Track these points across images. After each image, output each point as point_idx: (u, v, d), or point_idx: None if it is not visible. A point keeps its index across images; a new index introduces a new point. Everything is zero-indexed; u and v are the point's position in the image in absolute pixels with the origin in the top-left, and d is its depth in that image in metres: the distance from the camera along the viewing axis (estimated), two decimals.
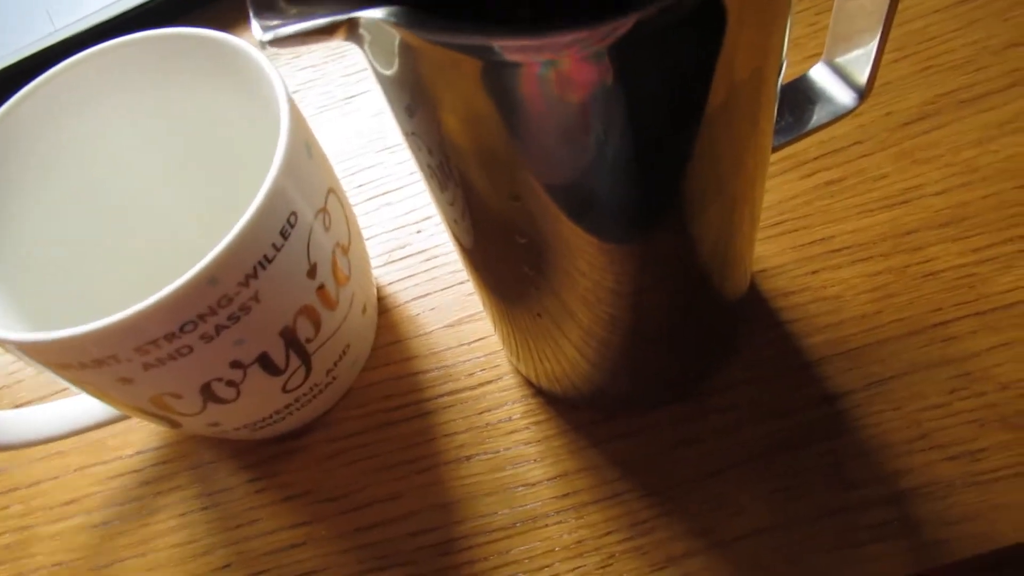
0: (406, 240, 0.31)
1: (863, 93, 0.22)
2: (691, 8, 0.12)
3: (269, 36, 0.13)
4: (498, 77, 0.13)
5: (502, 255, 0.19)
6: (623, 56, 0.12)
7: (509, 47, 0.12)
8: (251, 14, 0.13)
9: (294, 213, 0.20)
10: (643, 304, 0.20)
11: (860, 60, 0.22)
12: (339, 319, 0.24)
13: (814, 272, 0.27)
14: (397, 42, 0.13)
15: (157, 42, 0.24)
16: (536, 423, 0.26)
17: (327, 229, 0.22)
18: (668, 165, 0.15)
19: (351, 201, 0.31)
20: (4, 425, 0.23)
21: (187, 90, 0.25)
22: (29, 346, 0.19)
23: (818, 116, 0.22)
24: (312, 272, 0.21)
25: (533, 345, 0.23)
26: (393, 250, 0.30)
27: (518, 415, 0.26)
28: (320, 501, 0.26)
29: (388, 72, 0.14)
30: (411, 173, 0.32)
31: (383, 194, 0.32)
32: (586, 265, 0.18)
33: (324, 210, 0.22)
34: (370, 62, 0.15)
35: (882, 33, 0.20)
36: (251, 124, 0.24)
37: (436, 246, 0.30)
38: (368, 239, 0.31)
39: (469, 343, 0.28)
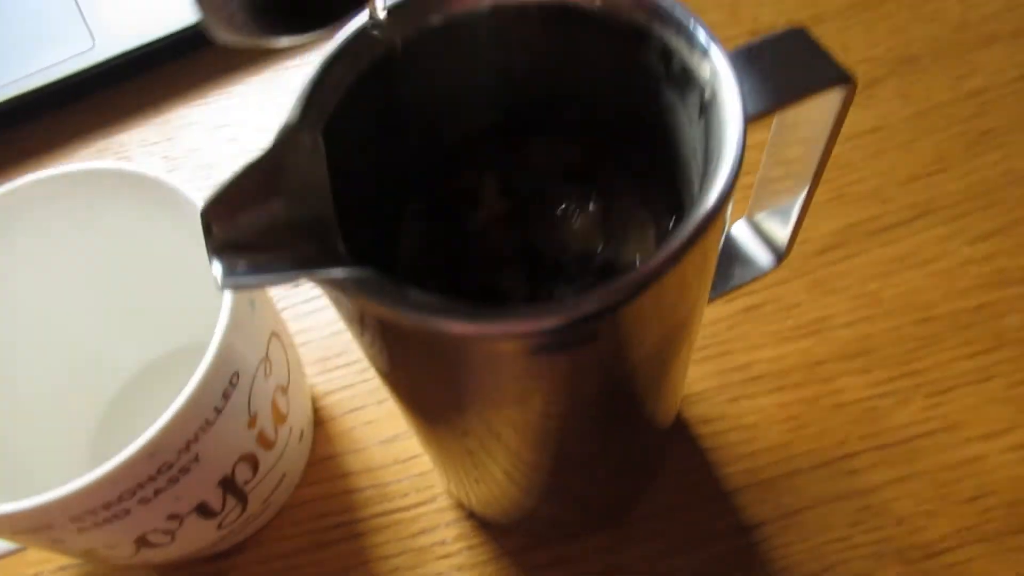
0: (342, 348, 0.31)
1: (781, 255, 0.24)
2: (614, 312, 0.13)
3: (229, 283, 0.13)
4: (425, 341, 0.13)
5: (440, 423, 0.19)
6: (555, 345, 0.13)
7: (429, 326, 0.13)
8: (210, 254, 0.14)
9: (236, 373, 0.20)
10: (574, 435, 0.21)
11: (781, 221, 0.23)
12: (277, 455, 0.24)
13: (733, 400, 0.28)
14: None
15: (92, 176, 0.23)
16: (469, 547, 0.27)
17: (268, 376, 0.22)
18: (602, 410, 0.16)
19: (287, 303, 0.32)
20: None
21: (118, 224, 0.25)
22: None
23: (738, 276, 0.24)
24: (252, 422, 0.22)
25: (464, 472, 0.24)
26: (329, 358, 0.31)
27: (451, 538, 0.27)
28: None
29: (348, 317, 0.15)
30: None
31: (319, 296, 0.32)
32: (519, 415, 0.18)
33: (266, 358, 0.22)
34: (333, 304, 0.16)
35: (805, 199, 0.22)
36: (184, 256, 0.24)
37: None
38: (303, 344, 0.31)
39: (404, 461, 0.28)
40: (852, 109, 0.34)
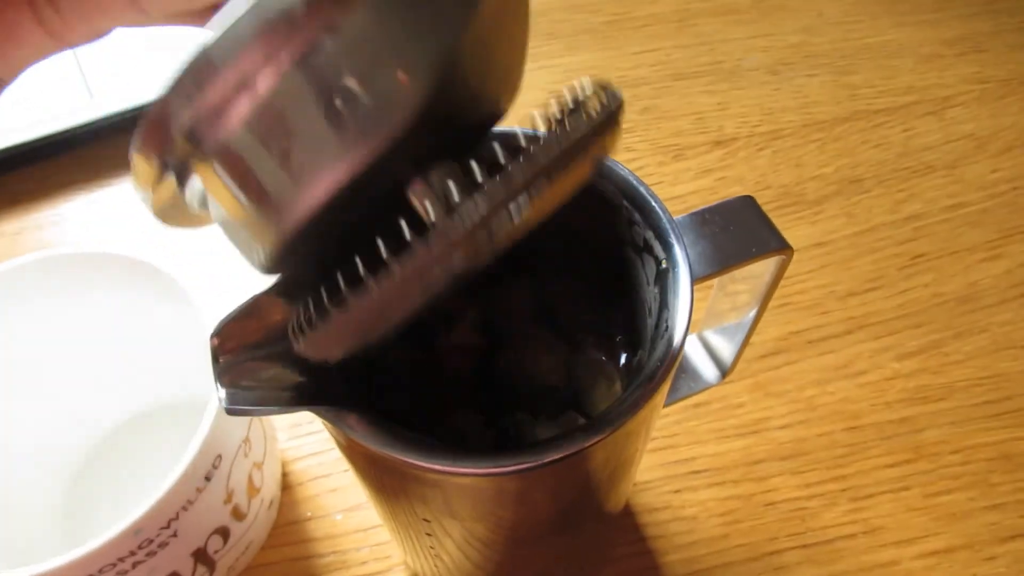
0: (312, 416, 0.32)
1: (726, 371, 0.26)
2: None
3: (233, 410, 0.15)
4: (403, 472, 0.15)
5: (402, 520, 0.21)
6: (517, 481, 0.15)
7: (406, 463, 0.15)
8: (215, 379, 0.16)
9: (219, 456, 0.22)
10: (528, 538, 0.23)
11: (728, 340, 0.26)
12: (247, 525, 0.25)
13: (676, 491, 0.31)
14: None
15: (77, 259, 0.25)
16: None
17: (247, 455, 0.24)
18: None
19: None
20: None
21: (106, 297, 0.26)
22: None
23: (685, 387, 0.26)
24: (229, 498, 0.23)
25: (420, 553, 0.26)
26: (299, 424, 0.32)
27: None
28: None
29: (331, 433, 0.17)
30: None
31: None
32: (479, 544, 0.20)
33: (247, 439, 0.24)
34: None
35: (750, 327, 0.24)
36: (165, 324, 0.26)
37: None
38: None
39: (365, 529, 0.30)
40: (801, 224, 0.37)
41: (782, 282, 0.36)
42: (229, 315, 0.16)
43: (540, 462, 0.14)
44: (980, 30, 0.45)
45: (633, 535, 0.30)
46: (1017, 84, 0.42)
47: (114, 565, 0.20)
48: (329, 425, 0.16)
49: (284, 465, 0.31)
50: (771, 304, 0.35)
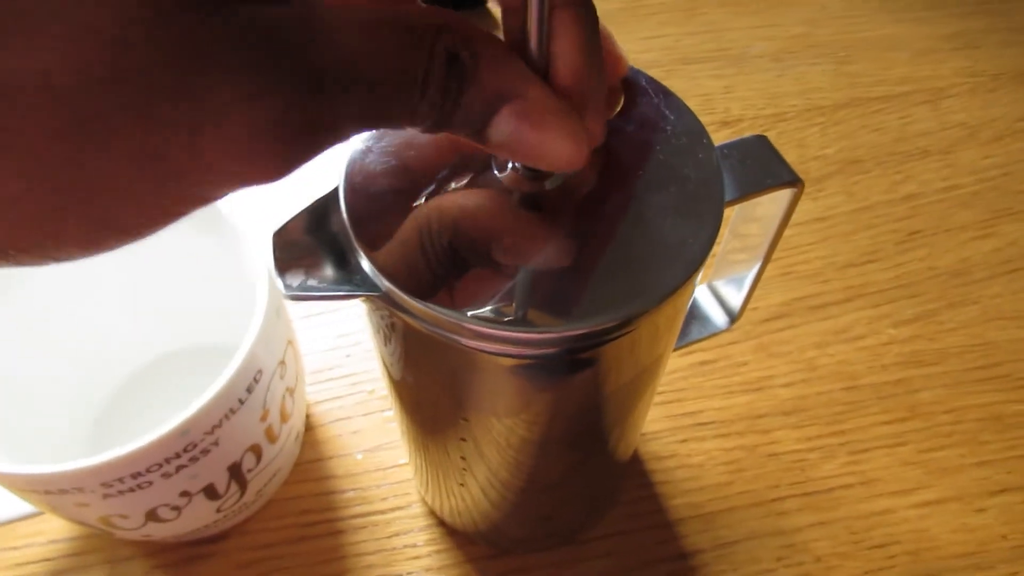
0: (336, 362, 0.34)
1: (734, 317, 0.28)
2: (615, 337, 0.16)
3: (290, 295, 0.17)
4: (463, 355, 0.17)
5: (439, 428, 0.22)
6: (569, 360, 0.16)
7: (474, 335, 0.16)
8: (276, 271, 0.17)
9: (260, 371, 0.23)
10: (548, 465, 0.24)
11: (736, 289, 0.27)
12: (277, 450, 0.26)
13: (683, 441, 0.32)
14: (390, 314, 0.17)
15: None
16: (437, 551, 0.29)
17: (282, 378, 0.25)
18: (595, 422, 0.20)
19: (289, 316, 0.34)
20: None
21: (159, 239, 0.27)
22: (9, 477, 0.20)
23: (696, 331, 0.28)
24: (264, 416, 0.24)
25: (443, 483, 0.27)
26: (322, 370, 0.33)
27: (422, 542, 0.29)
28: None
29: (380, 331, 0.18)
30: None
31: (319, 313, 0.35)
32: (511, 448, 0.22)
33: (282, 362, 0.25)
34: (369, 314, 0.19)
35: (757, 272, 0.26)
36: (217, 269, 0.27)
37: (362, 372, 0.34)
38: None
39: (384, 469, 0.31)
40: (803, 200, 0.39)
41: (785, 252, 0.37)
42: (287, 219, 0.18)
43: (606, 326, 0.15)
44: (973, 27, 0.47)
45: (641, 480, 0.31)
46: (1007, 79, 0.45)
47: (160, 465, 0.21)
48: (388, 313, 0.17)
49: (307, 407, 0.32)
50: (774, 272, 0.37)
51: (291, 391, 0.26)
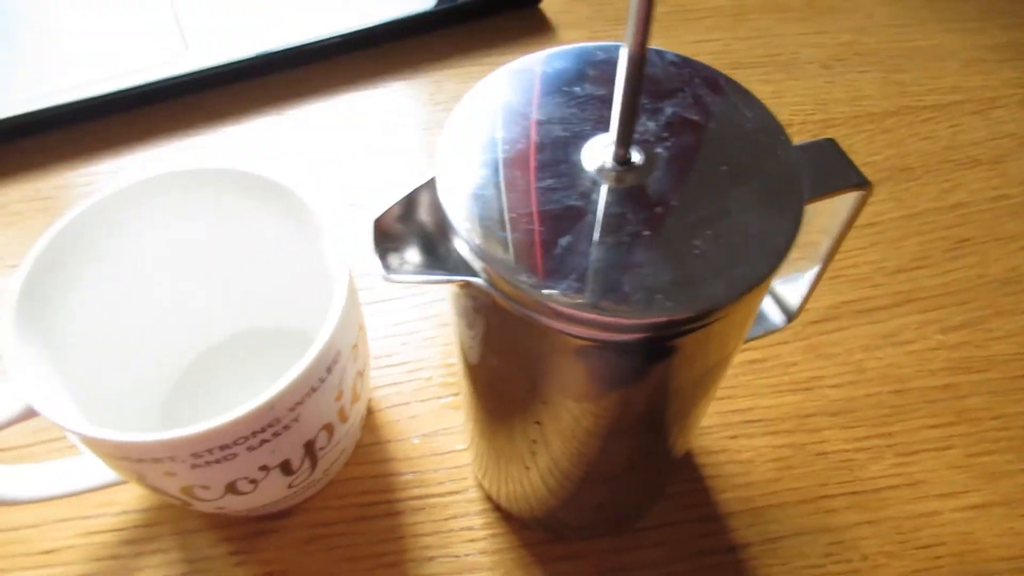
0: (394, 349, 0.35)
1: (792, 316, 0.28)
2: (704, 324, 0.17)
3: (388, 278, 0.18)
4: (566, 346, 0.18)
5: (514, 412, 0.23)
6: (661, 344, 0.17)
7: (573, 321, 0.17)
8: (375, 252, 0.18)
9: (338, 352, 0.24)
10: (614, 453, 0.25)
11: (796, 289, 0.28)
12: (346, 430, 0.27)
13: (733, 437, 0.33)
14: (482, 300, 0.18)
15: (214, 173, 0.27)
16: (493, 535, 0.30)
17: (354, 361, 0.26)
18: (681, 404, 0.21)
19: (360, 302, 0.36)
20: (4, 481, 0.25)
21: (233, 215, 0.28)
22: (105, 444, 0.22)
23: (754, 329, 0.28)
24: (339, 396, 0.25)
25: (505, 468, 0.28)
26: (381, 357, 0.35)
27: (478, 526, 0.30)
28: None
29: (462, 311, 0.19)
30: (405, 287, 0.37)
31: (380, 301, 0.36)
32: (583, 433, 0.22)
33: (356, 345, 0.26)
34: (455, 299, 0.20)
35: (817, 274, 0.26)
36: (290, 252, 0.28)
37: (419, 359, 0.35)
38: None
39: (441, 454, 0.32)
40: None
41: (836, 256, 0.38)
42: (387, 205, 0.19)
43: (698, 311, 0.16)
44: (1022, 39, 0.47)
45: (692, 473, 0.32)
46: None
47: (247, 438, 0.22)
48: (480, 298, 0.18)
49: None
50: (826, 275, 0.37)
51: (361, 374, 0.27)
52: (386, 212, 0.19)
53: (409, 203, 0.19)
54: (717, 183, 0.18)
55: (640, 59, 0.16)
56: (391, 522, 0.30)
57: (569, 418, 0.21)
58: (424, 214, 0.19)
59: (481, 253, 0.17)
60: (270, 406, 0.22)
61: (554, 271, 0.17)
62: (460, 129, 0.19)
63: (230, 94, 0.44)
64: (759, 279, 0.17)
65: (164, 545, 0.30)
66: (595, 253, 0.17)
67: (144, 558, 0.29)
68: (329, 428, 0.26)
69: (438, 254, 0.19)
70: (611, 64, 0.20)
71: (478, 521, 0.30)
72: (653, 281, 0.17)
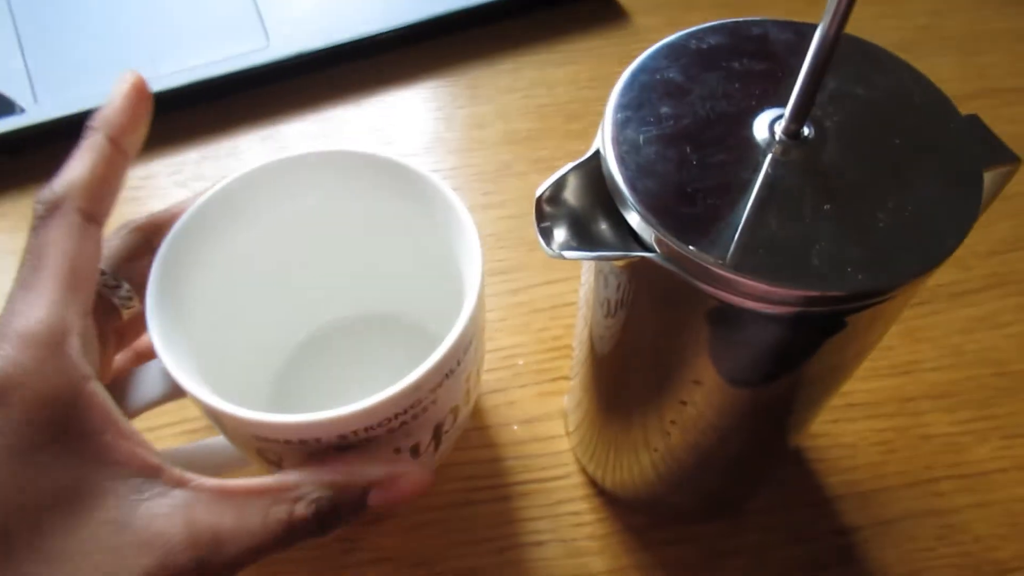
0: (488, 336, 0.35)
1: None
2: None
3: (553, 254, 0.18)
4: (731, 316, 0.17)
5: (654, 395, 0.23)
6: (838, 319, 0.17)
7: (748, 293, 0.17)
8: (538, 231, 0.18)
9: (474, 335, 0.24)
10: (730, 446, 0.25)
11: None
12: (467, 412, 0.27)
13: (834, 421, 0.32)
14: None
15: (355, 157, 0.27)
16: (600, 519, 0.30)
17: (478, 348, 0.26)
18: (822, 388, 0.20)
19: None
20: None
21: (370, 202, 0.28)
22: (253, 424, 0.22)
23: None
24: (468, 378, 0.25)
25: (615, 452, 0.27)
26: None
27: (585, 510, 0.30)
28: (405, 567, 0.29)
29: (613, 290, 0.19)
30: (497, 272, 0.37)
31: None
32: (729, 415, 0.22)
33: (479, 333, 0.26)
34: (606, 282, 0.20)
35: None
36: (413, 238, 0.28)
37: (511, 346, 0.34)
38: None
39: (542, 440, 0.32)
40: None
41: None
42: (550, 181, 0.19)
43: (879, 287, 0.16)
44: None
45: (796, 457, 0.31)
46: None
47: (390, 420, 0.22)
48: (651, 269, 0.18)
49: None
50: None
51: (482, 355, 0.27)
52: (545, 189, 0.19)
53: (560, 183, 0.19)
54: (890, 156, 0.18)
55: (836, 39, 0.16)
56: (499, 507, 0.30)
57: (722, 399, 0.21)
58: (571, 195, 0.19)
59: (657, 226, 0.17)
60: (416, 387, 0.22)
61: (741, 246, 0.16)
62: (623, 105, 0.19)
63: (313, 83, 0.43)
64: (948, 251, 0.17)
65: None
66: (778, 227, 0.17)
67: None
68: (455, 410, 0.26)
69: (589, 233, 0.19)
70: (770, 40, 0.20)
71: (584, 506, 0.30)
72: (842, 255, 0.16)
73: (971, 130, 0.22)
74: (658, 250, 0.17)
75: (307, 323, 0.33)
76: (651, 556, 0.29)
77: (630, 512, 0.30)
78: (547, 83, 0.44)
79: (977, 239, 0.37)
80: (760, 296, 0.16)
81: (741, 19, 0.21)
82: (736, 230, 0.17)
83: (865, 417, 0.32)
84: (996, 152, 0.21)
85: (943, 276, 0.36)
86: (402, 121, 0.42)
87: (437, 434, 0.26)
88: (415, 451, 0.25)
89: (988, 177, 0.22)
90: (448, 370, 0.23)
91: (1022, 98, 0.43)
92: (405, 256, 0.30)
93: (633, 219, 0.18)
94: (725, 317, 0.18)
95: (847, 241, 0.17)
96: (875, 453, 0.32)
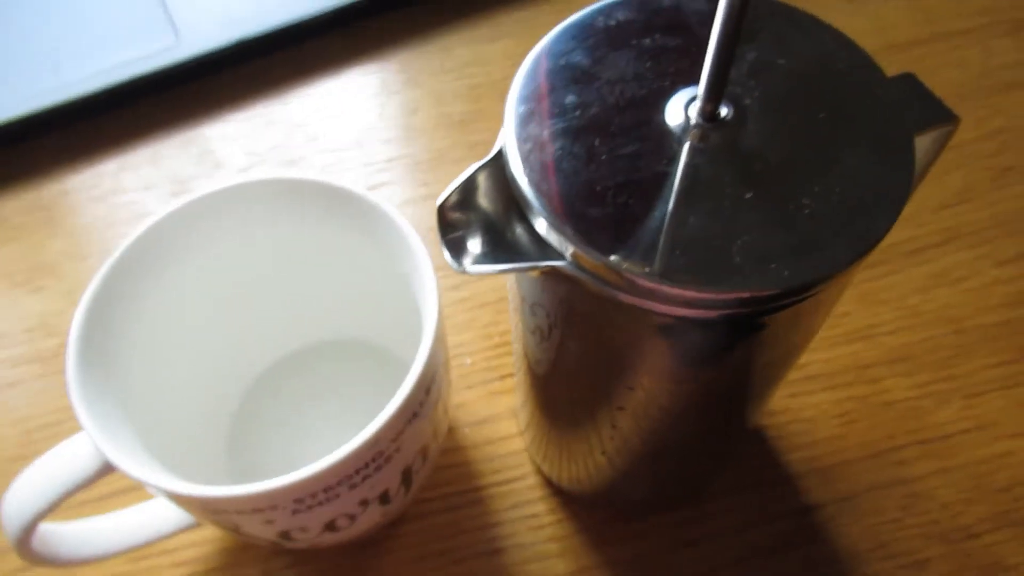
0: None
1: None
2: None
3: (458, 268, 0.16)
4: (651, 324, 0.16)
5: (593, 398, 0.22)
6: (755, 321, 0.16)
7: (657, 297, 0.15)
8: (442, 243, 0.16)
9: (435, 373, 0.22)
10: (678, 441, 0.23)
11: None
12: (438, 446, 0.26)
13: (793, 396, 0.31)
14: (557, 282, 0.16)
15: (287, 184, 0.25)
16: (558, 520, 0.29)
17: (444, 377, 0.24)
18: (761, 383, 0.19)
19: None
20: (69, 539, 0.24)
21: (313, 231, 0.26)
22: (198, 500, 0.20)
23: None
24: (434, 415, 0.24)
25: (567, 450, 0.26)
26: None
27: (543, 512, 0.29)
28: None
29: (536, 297, 0.18)
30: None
31: None
32: (670, 415, 0.21)
33: (445, 362, 0.24)
34: (525, 289, 0.18)
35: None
36: (358, 261, 0.27)
37: (457, 344, 0.33)
38: None
39: (494, 442, 0.31)
40: None
41: None
42: (449, 189, 0.17)
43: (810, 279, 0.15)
44: None
45: (755, 437, 0.30)
46: None
47: (350, 477, 0.21)
48: (563, 283, 0.16)
49: None
50: None
51: (449, 385, 0.26)
52: (448, 197, 0.17)
53: (468, 186, 0.17)
54: (816, 131, 0.17)
55: (744, 5, 0.14)
56: (452, 516, 0.29)
57: (658, 402, 0.19)
58: (484, 197, 0.17)
59: (565, 233, 0.15)
60: (374, 441, 0.20)
61: (656, 249, 0.15)
62: (525, 96, 0.17)
63: (230, 79, 0.41)
64: (883, 231, 0.15)
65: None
66: (696, 224, 0.15)
67: None
68: (424, 450, 0.24)
69: (505, 239, 0.17)
70: (682, 12, 0.19)
71: (542, 507, 0.29)
72: (766, 249, 0.15)
73: (906, 90, 0.20)
74: (568, 258, 0.16)
75: (262, 358, 0.31)
76: (614, 552, 0.28)
77: (590, 509, 0.29)
78: (480, 61, 0.42)
79: (929, 193, 0.36)
80: (683, 301, 0.15)
81: None
82: (650, 231, 0.15)
83: (823, 389, 0.31)
84: (933, 111, 0.20)
85: (897, 235, 0.35)
86: (330, 114, 0.40)
87: (407, 477, 0.24)
88: (384, 498, 0.24)
89: (929, 137, 0.21)
90: (411, 414, 0.21)
91: (970, 40, 0.42)
92: (359, 281, 0.28)
93: (540, 225, 0.16)
94: (645, 324, 0.16)
95: (771, 233, 0.15)
96: (835, 426, 0.31)
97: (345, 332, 0.31)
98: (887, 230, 0.16)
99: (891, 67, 0.41)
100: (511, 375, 0.32)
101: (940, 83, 0.40)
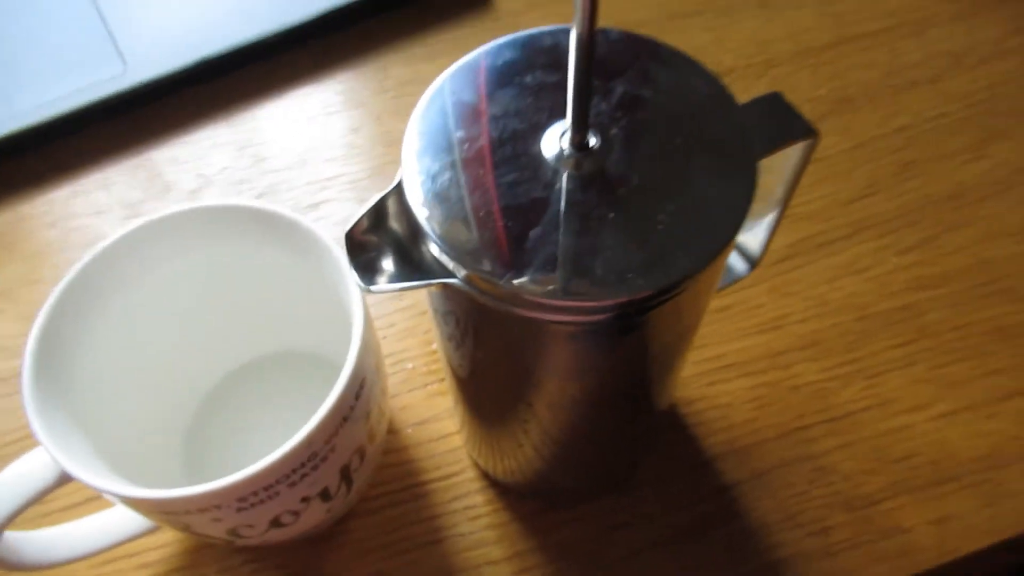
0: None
1: (755, 263, 0.29)
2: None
3: (367, 289, 0.18)
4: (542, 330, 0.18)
5: (504, 398, 0.24)
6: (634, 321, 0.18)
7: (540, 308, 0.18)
8: (351, 264, 0.19)
9: (364, 377, 0.24)
10: (602, 421, 0.26)
11: (756, 237, 0.29)
12: (376, 448, 0.28)
13: (710, 384, 0.34)
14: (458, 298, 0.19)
15: (219, 211, 0.27)
16: (495, 510, 0.31)
17: (378, 380, 0.26)
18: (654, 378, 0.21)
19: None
20: (35, 545, 0.25)
21: (242, 253, 0.28)
22: (149, 502, 0.22)
23: (720, 282, 0.29)
24: (367, 418, 0.26)
25: (497, 445, 0.29)
26: None
27: (481, 503, 0.31)
28: None
29: (445, 307, 0.20)
30: None
31: None
32: (573, 407, 0.23)
33: (377, 365, 0.26)
34: (434, 300, 0.20)
35: (776, 219, 0.27)
36: (296, 279, 0.29)
37: (400, 351, 0.35)
38: None
39: (435, 440, 0.33)
40: None
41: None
42: (358, 216, 0.19)
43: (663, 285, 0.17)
44: None
45: (675, 423, 0.33)
46: (986, 1, 0.46)
47: (288, 476, 0.23)
48: (459, 297, 0.18)
49: None
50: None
51: (383, 390, 0.28)
52: (357, 223, 0.19)
53: (379, 210, 0.20)
54: (673, 156, 0.19)
55: (590, 42, 0.16)
56: (396, 511, 0.31)
57: (558, 396, 0.22)
58: (395, 220, 0.20)
59: (454, 255, 0.18)
60: (308, 442, 0.22)
61: (526, 264, 0.17)
62: (421, 132, 0.20)
63: (177, 104, 0.43)
64: (723, 243, 0.18)
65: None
66: (564, 241, 0.18)
67: None
68: (361, 451, 0.26)
69: (413, 258, 0.19)
70: (560, 50, 0.21)
71: (479, 499, 0.31)
72: (623, 262, 0.17)
73: (769, 109, 0.23)
74: (455, 275, 0.18)
75: (212, 371, 0.33)
76: (547, 538, 0.31)
77: (524, 499, 0.32)
78: (417, 80, 0.44)
79: (837, 188, 0.39)
80: (550, 310, 0.17)
81: (535, 30, 0.21)
82: (525, 249, 0.18)
83: (739, 376, 0.34)
84: (797, 127, 0.22)
85: (808, 229, 0.38)
86: (274, 135, 0.42)
87: (346, 475, 0.26)
88: (325, 495, 0.26)
89: (794, 150, 0.23)
90: (341, 418, 0.23)
91: (879, 41, 0.45)
92: (298, 297, 0.30)
93: (434, 249, 0.18)
94: (526, 331, 0.18)
95: (630, 248, 0.18)
96: (749, 409, 0.33)
97: (289, 345, 0.33)
98: (728, 242, 0.18)
99: (804, 71, 0.44)
100: None
101: (850, 84, 0.43)
